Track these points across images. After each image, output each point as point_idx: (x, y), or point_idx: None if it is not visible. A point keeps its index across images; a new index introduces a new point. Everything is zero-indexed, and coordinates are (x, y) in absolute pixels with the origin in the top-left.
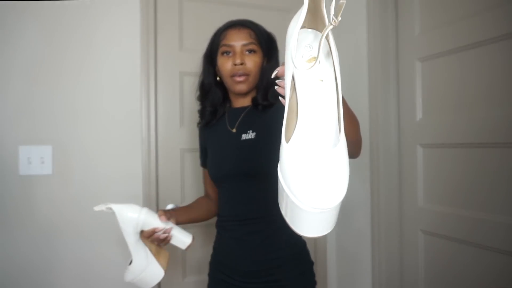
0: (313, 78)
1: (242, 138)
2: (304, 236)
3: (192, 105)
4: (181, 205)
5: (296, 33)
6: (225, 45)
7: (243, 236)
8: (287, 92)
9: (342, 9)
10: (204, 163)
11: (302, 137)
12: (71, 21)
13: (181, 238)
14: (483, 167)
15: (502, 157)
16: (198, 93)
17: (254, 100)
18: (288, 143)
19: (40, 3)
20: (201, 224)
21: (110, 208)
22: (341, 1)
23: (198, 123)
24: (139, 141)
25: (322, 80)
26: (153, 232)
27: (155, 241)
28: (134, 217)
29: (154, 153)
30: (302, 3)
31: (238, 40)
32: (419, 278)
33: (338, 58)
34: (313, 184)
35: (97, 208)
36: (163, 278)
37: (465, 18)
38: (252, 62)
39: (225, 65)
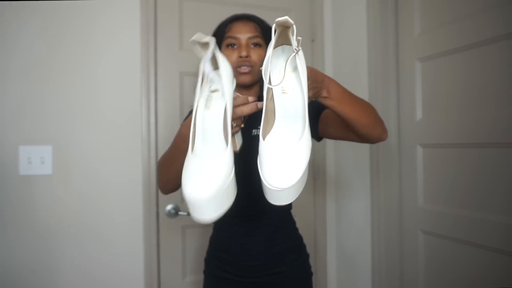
0: (286, 88)
1: (253, 134)
2: (273, 204)
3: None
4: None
5: (267, 56)
6: (230, 37)
7: (250, 231)
8: (265, 100)
9: (300, 41)
10: None
11: (275, 136)
12: (71, 21)
13: (241, 136)
14: (483, 167)
15: (502, 157)
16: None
17: (260, 99)
18: (264, 140)
19: (40, 3)
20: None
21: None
22: (298, 37)
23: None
24: (139, 141)
25: (293, 90)
26: (246, 99)
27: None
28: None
29: (154, 153)
30: (301, 3)
31: (244, 33)
32: (419, 278)
33: (305, 73)
34: (273, 171)
35: (198, 37)
36: (165, 276)
37: (465, 18)
38: (257, 56)
39: (230, 57)
